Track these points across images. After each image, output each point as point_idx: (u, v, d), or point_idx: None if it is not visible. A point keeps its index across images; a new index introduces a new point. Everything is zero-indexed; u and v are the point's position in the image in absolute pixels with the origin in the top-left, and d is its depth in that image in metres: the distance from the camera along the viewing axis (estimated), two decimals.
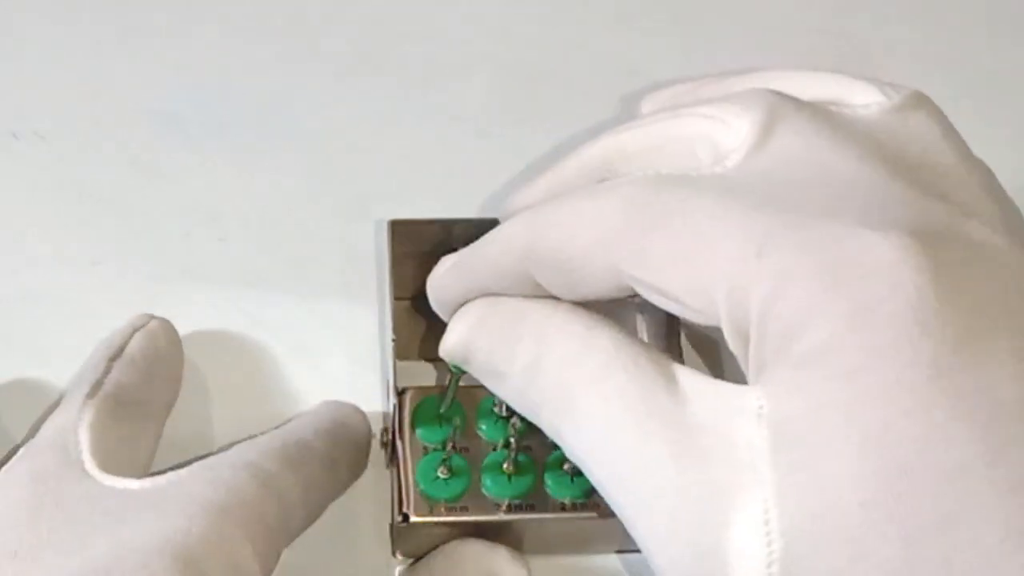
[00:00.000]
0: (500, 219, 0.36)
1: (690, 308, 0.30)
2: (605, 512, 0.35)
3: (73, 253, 0.43)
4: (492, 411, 0.37)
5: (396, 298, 0.38)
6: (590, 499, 0.36)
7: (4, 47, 0.48)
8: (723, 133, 0.32)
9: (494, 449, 0.37)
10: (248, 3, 0.50)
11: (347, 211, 0.45)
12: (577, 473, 0.36)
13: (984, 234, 0.29)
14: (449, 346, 0.35)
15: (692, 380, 0.30)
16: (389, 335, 0.38)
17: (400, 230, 0.39)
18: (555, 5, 0.51)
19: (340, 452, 0.36)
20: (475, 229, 0.37)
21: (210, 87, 0.47)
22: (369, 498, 0.38)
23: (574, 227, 0.32)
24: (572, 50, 0.50)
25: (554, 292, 0.33)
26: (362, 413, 0.38)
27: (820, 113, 0.33)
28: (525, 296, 0.34)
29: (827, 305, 0.27)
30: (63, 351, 0.41)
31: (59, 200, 0.44)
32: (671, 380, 0.30)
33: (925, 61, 0.50)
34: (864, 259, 0.28)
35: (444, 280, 0.36)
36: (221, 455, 0.34)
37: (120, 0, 0.49)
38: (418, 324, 0.39)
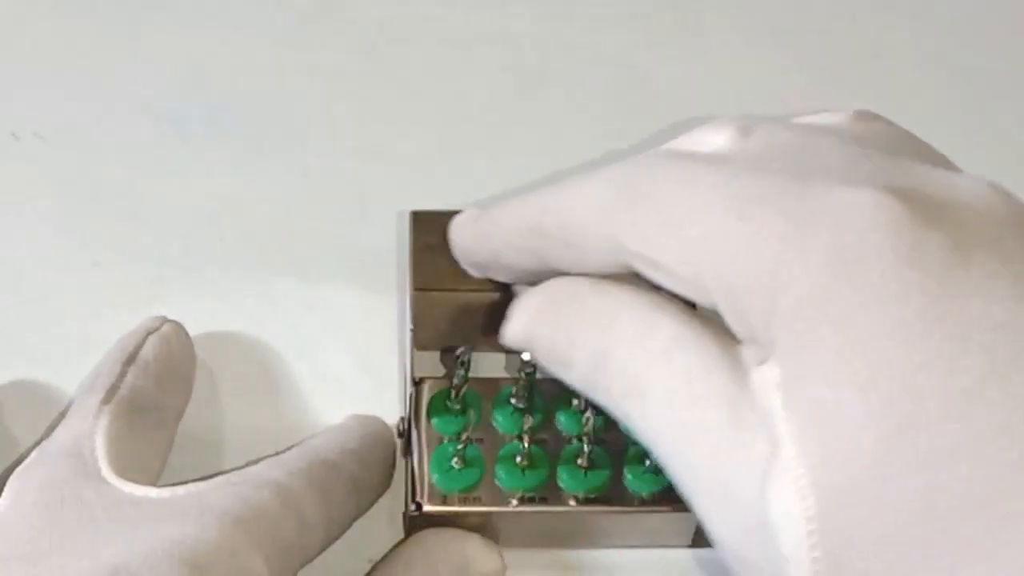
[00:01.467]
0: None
1: (682, 280, 0.30)
2: (617, 507, 0.36)
3: (73, 253, 0.43)
4: (508, 402, 0.37)
5: (416, 288, 0.38)
6: (603, 494, 0.36)
7: (4, 47, 0.48)
8: (707, 135, 0.33)
9: (509, 441, 0.37)
10: (248, 3, 0.50)
11: (347, 211, 0.45)
12: (591, 468, 0.36)
13: (957, 185, 0.29)
14: (510, 336, 0.35)
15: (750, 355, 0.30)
16: (408, 324, 0.38)
17: (421, 220, 0.39)
18: (555, 5, 0.51)
19: (366, 472, 0.36)
20: None
21: (210, 87, 0.47)
22: None
23: (574, 201, 0.33)
24: (572, 50, 0.50)
25: (563, 269, 0.34)
26: (390, 430, 0.38)
27: (790, 121, 0.34)
28: (580, 280, 0.34)
29: (806, 256, 0.28)
30: (63, 351, 0.41)
31: (59, 200, 0.44)
32: (732, 357, 0.30)
33: (925, 61, 0.50)
34: (838, 209, 0.28)
35: (463, 232, 0.37)
36: (245, 470, 0.34)
37: (121, 0, 0.49)
38: (436, 314, 0.39)
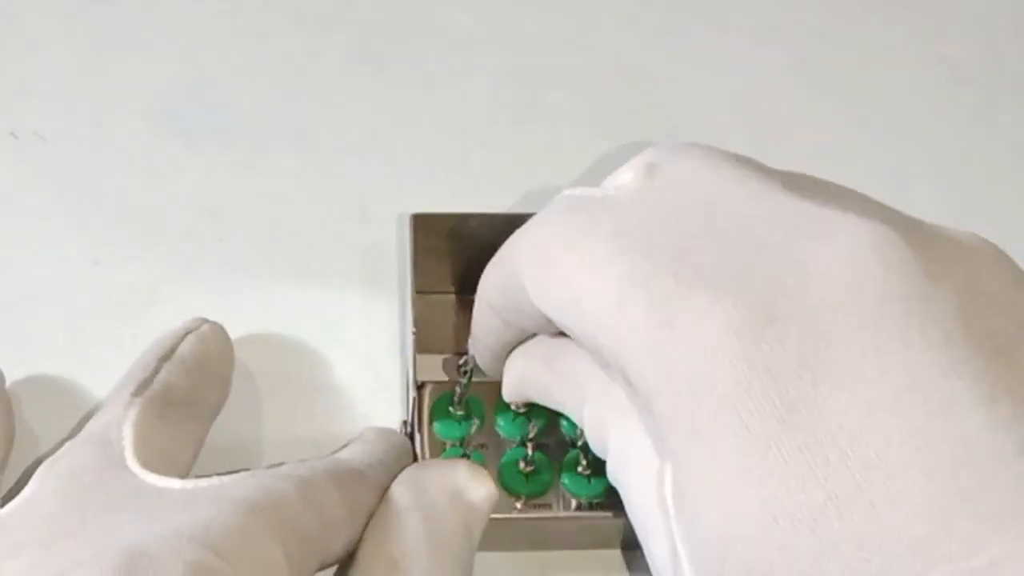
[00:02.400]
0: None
1: (589, 350, 0.31)
2: (620, 513, 0.36)
3: (73, 253, 0.43)
4: (510, 407, 0.37)
5: (417, 291, 0.38)
6: (605, 499, 0.36)
7: (4, 47, 0.48)
8: (620, 174, 0.33)
9: (512, 446, 0.37)
10: (248, 3, 0.50)
11: (347, 210, 0.45)
12: (594, 474, 0.36)
13: (806, 274, 0.29)
14: (507, 396, 0.37)
15: None
16: (409, 328, 0.38)
17: (422, 223, 0.39)
18: (556, 5, 0.51)
19: (391, 482, 0.36)
20: (496, 223, 0.37)
21: (210, 87, 0.47)
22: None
23: (503, 263, 0.34)
24: (572, 50, 0.50)
25: (529, 329, 0.35)
26: (409, 443, 0.38)
27: (707, 148, 0.33)
28: (551, 340, 0.35)
29: (666, 369, 0.28)
30: (64, 351, 0.41)
31: (59, 200, 0.44)
32: None
33: (925, 61, 0.50)
34: (691, 334, 0.28)
35: (472, 349, 0.37)
36: (269, 468, 0.34)
37: (120, 0, 0.49)
38: (438, 317, 0.39)
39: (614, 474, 0.33)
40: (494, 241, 0.35)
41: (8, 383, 0.39)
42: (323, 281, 0.43)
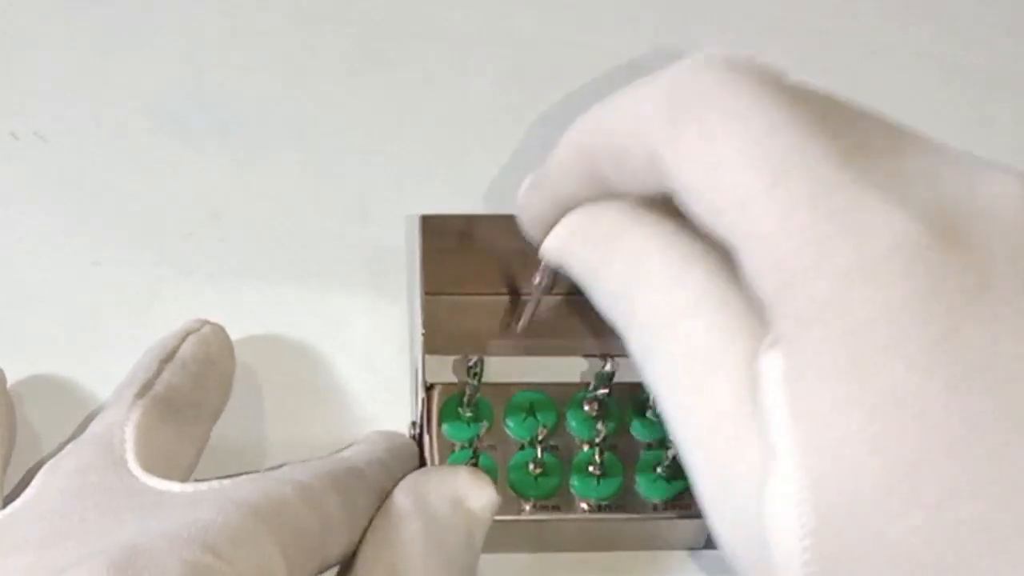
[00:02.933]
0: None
1: (710, 227, 0.28)
2: (630, 515, 0.36)
3: (73, 253, 0.43)
4: (519, 409, 0.37)
5: (426, 292, 0.38)
6: (615, 500, 0.36)
7: (4, 47, 0.48)
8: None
9: (521, 448, 0.37)
10: (248, 3, 0.50)
11: (347, 210, 0.45)
12: (603, 475, 0.36)
13: (980, 192, 0.28)
14: (547, 249, 0.34)
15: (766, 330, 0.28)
16: (419, 329, 0.38)
17: (431, 224, 0.39)
18: (556, 5, 0.51)
19: (392, 484, 0.35)
20: (504, 224, 0.37)
21: (210, 87, 0.47)
22: None
23: (621, 110, 0.31)
24: (573, 50, 0.50)
25: (616, 190, 0.31)
26: (414, 445, 0.38)
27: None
28: (628, 208, 0.32)
29: (830, 260, 0.26)
30: (64, 351, 0.40)
31: (59, 200, 0.44)
32: (749, 331, 0.28)
33: (925, 61, 0.50)
34: (872, 216, 0.26)
35: (526, 198, 0.35)
36: (269, 471, 0.34)
37: (120, 0, 0.49)
38: (447, 318, 0.40)
39: (661, 383, 0.29)
40: (502, 242, 0.35)
41: (9, 383, 0.39)
42: (324, 281, 0.43)
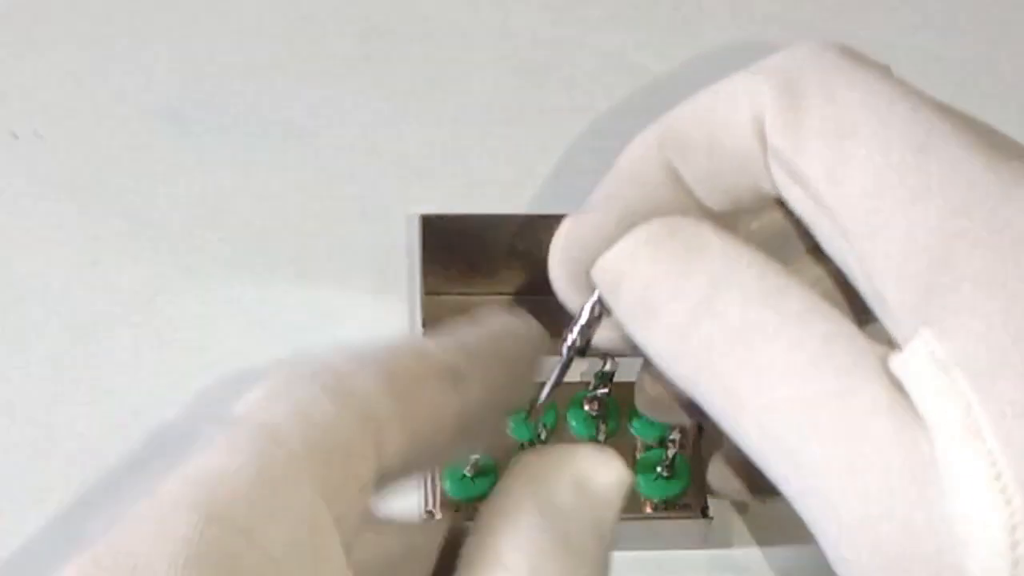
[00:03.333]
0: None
1: (836, 213, 0.26)
2: (629, 514, 0.36)
3: (73, 253, 0.43)
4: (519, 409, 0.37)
5: (426, 292, 0.38)
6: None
7: (4, 47, 0.48)
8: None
9: (522, 447, 0.37)
10: (248, 3, 0.50)
11: (347, 210, 0.45)
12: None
13: None
14: (605, 268, 0.29)
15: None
16: (418, 329, 0.38)
17: (431, 224, 0.39)
18: (555, 5, 0.51)
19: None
20: (507, 223, 0.37)
21: (210, 87, 0.47)
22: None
23: (722, 98, 0.28)
24: (573, 50, 0.50)
25: (696, 189, 0.29)
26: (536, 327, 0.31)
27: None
28: (707, 221, 0.29)
29: (990, 236, 0.25)
30: (64, 351, 0.40)
31: (59, 200, 0.44)
32: (865, 337, 0.26)
33: (925, 61, 0.50)
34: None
35: (572, 227, 0.30)
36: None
37: (120, 0, 0.49)
38: (447, 318, 0.39)
39: (773, 393, 0.26)
40: (502, 242, 0.35)
41: (7, 383, 0.39)
42: (324, 281, 0.43)
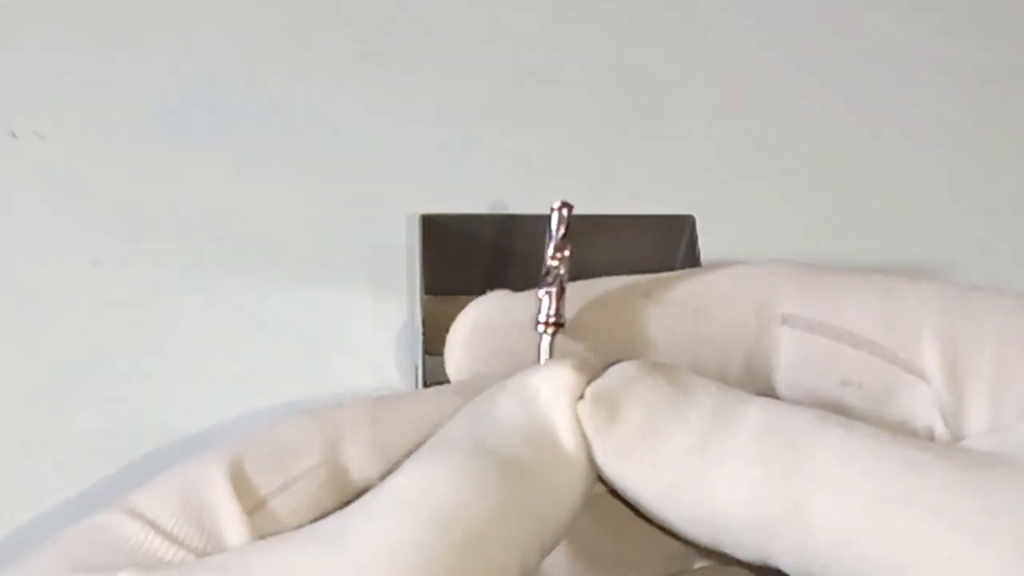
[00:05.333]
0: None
1: (888, 352, 0.26)
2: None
3: (73, 253, 0.43)
4: None
5: (427, 293, 0.38)
6: None
7: (4, 47, 0.48)
8: None
9: None
10: (248, 2, 0.50)
11: (346, 210, 0.45)
12: None
13: None
14: (597, 392, 0.27)
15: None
16: (418, 329, 0.38)
17: (431, 224, 0.39)
18: (555, 5, 0.51)
19: None
20: (507, 223, 0.36)
21: (210, 87, 0.47)
22: None
23: (710, 272, 0.28)
24: (572, 50, 0.50)
25: (670, 347, 0.28)
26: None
27: None
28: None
29: None
30: (64, 351, 0.40)
31: (59, 200, 0.44)
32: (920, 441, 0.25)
33: (925, 61, 0.50)
34: None
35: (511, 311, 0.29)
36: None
37: (120, 0, 0.49)
38: (448, 319, 0.39)
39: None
40: (503, 242, 0.35)
41: (7, 383, 0.39)
42: (324, 282, 0.43)
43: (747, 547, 0.25)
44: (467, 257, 0.40)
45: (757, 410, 0.26)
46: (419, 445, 0.27)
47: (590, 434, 0.26)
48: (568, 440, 0.26)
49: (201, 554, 0.26)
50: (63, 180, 0.45)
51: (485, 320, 0.30)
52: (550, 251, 0.29)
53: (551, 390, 0.26)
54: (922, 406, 0.26)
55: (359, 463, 0.27)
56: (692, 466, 0.25)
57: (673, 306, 0.28)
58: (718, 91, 0.49)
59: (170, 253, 0.43)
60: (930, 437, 0.26)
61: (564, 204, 0.28)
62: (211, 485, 0.26)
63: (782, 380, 0.28)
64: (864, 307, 0.27)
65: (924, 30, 0.51)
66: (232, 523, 0.26)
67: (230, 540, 0.26)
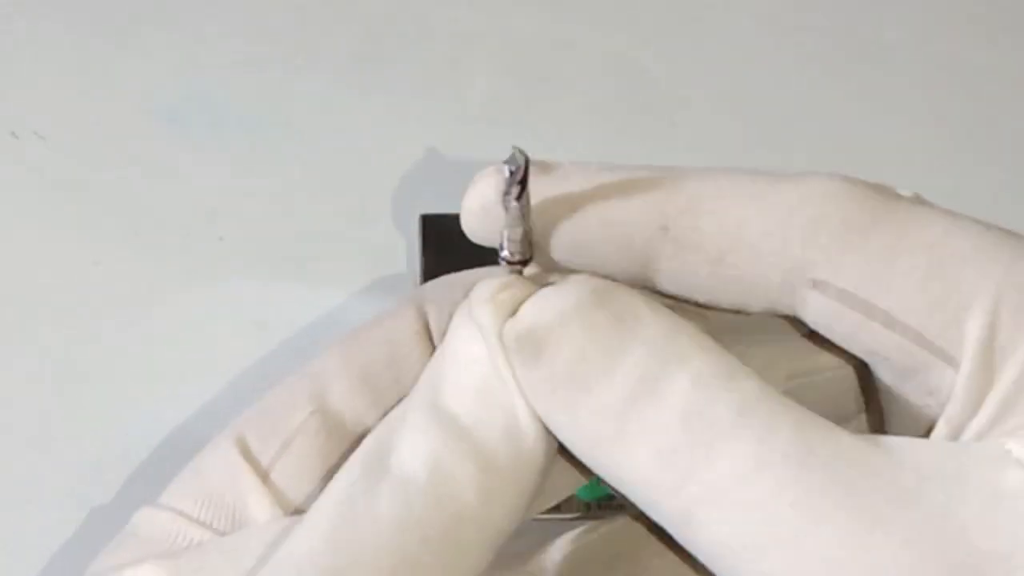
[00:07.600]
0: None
1: (920, 337, 0.25)
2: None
3: (73, 253, 0.43)
4: None
5: None
6: (615, 500, 0.36)
7: (4, 47, 0.48)
8: None
9: None
10: (248, 3, 0.50)
11: (347, 210, 0.45)
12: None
13: None
14: (524, 323, 0.26)
15: (888, 441, 0.24)
16: None
17: (430, 224, 0.39)
18: (555, 5, 0.51)
19: None
20: None
21: (210, 87, 0.47)
22: None
23: (746, 208, 0.26)
24: (572, 50, 0.50)
25: (679, 290, 0.27)
26: None
27: None
28: (640, 289, 0.26)
29: None
30: (64, 351, 0.40)
31: (59, 200, 0.44)
32: (860, 441, 0.24)
33: (925, 61, 0.50)
34: None
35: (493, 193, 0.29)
36: None
37: (120, 0, 0.49)
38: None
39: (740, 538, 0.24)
40: None
41: (8, 383, 0.39)
42: (324, 281, 0.43)
43: (653, 515, 0.25)
44: (467, 257, 0.39)
45: (684, 386, 0.24)
46: (392, 358, 0.27)
47: (515, 365, 0.25)
48: (503, 370, 0.26)
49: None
50: (63, 180, 0.45)
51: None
52: (504, 189, 0.27)
53: (483, 319, 0.26)
54: (945, 388, 0.25)
55: (347, 399, 0.27)
56: (606, 433, 0.24)
57: (689, 251, 0.26)
58: (718, 91, 0.49)
59: (170, 253, 0.43)
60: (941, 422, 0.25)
61: (517, 149, 0.27)
62: (229, 465, 0.27)
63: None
64: (907, 288, 0.25)
65: (924, 30, 0.51)
66: (254, 496, 0.26)
67: (256, 515, 0.26)
